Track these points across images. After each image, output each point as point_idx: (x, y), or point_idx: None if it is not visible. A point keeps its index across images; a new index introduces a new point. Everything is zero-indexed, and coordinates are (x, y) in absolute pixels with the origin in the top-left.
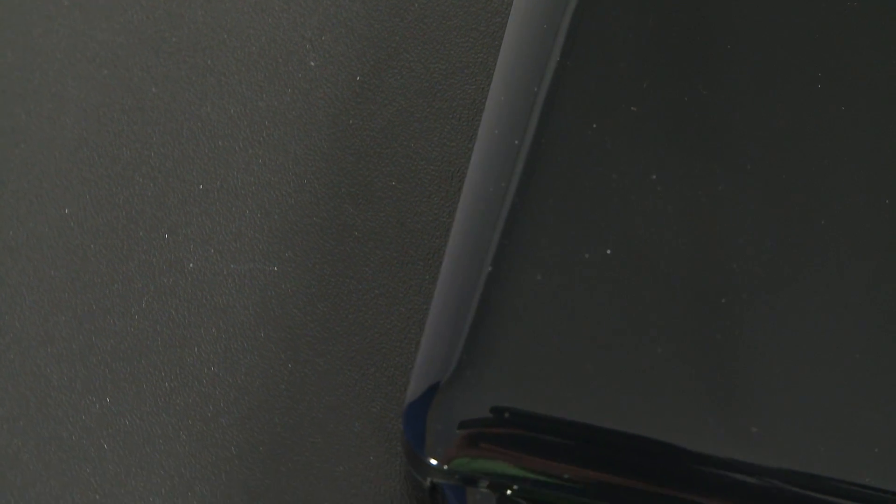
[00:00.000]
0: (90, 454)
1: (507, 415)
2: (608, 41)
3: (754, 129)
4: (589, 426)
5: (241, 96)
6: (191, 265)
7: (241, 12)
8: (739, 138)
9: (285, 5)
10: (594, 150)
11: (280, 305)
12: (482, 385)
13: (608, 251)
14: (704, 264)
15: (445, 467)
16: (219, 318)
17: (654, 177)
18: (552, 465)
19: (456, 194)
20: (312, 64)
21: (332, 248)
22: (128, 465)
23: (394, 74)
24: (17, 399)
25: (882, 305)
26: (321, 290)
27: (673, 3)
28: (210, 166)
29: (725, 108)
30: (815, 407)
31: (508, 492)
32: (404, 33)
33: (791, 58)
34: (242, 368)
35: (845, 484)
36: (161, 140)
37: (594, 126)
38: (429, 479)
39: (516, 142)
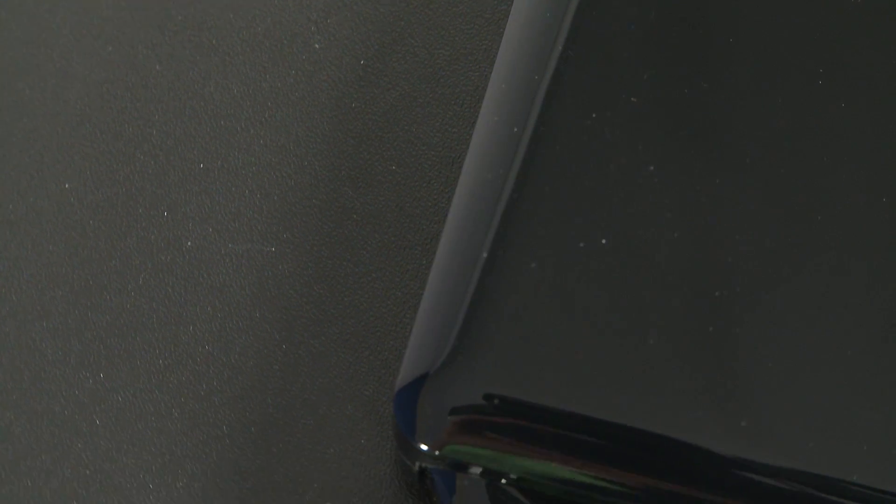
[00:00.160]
0: (82, 429)
1: (498, 402)
2: (610, 32)
3: (754, 123)
4: (579, 415)
5: (245, 76)
6: (189, 243)
7: None
8: (739, 131)
9: None
10: (593, 140)
11: (276, 286)
12: (474, 372)
13: (603, 241)
14: (700, 256)
15: (435, 453)
16: (215, 297)
17: (652, 168)
18: (542, 452)
19: (456, 180)
20: (317, 46)
21: (331, 230)
22: (119, 442)
23: (398, 59)
24: (10, 372)
25: (877, 296)
26: (318, 271)
27: None
28: (211, 145)
29: (725, 101)
30: (808, 400)
31: (498, 478)
32: (409, 18)
33: (792, 51)
34: (237, 348)
35: (834, 480)
36: (163, 118)
37: (593, 116)
38: (417, 464)
39: (515, 129)
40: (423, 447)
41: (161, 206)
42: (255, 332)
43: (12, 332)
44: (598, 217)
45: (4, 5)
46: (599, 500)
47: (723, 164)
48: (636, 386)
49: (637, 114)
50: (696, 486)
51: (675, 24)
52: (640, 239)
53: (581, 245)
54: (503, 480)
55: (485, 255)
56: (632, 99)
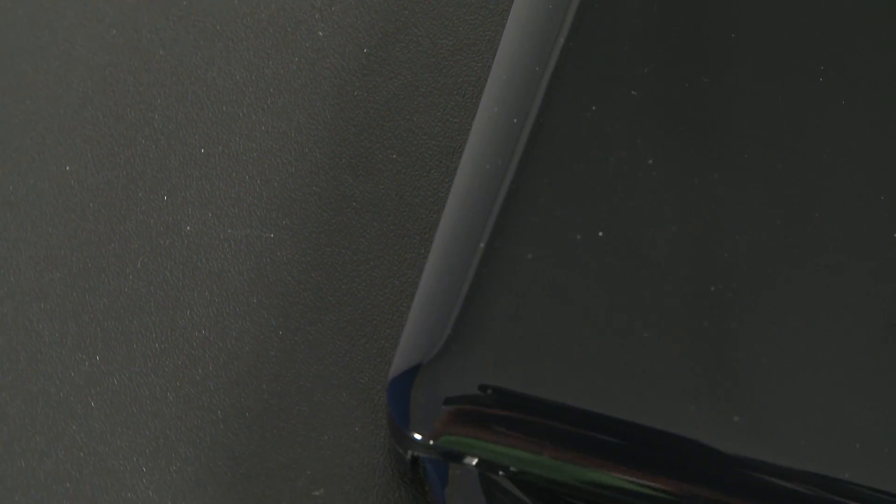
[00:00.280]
0: (77, 411)
1: (491, 393)
2: (612, 25)
3: (754, 118)
4: (573, 407)
5: (248, 62)
6: (188, 228)
7: None
8: (738, 126)
9: None
10: (592, 133)
11: (274, 272)
12: (468, 362)
13: (600, 233)
14: (697, 250)
15: (428, 442)
16: (213, 282)
17: (651, 161)
18: (535, 444)
19: (455, 170)
20: (320, 34)
21: (330, 217)
22: (114, 424)
23: (401, 48)
24: (7, 353)
25: (871, 288)
26: (316, 258)
27: None
28: (213, 131)
29: (726, 96)
30: (802, 396)
31: (490, 469)
32: (413, 7)
33: (793, 47)
34: (233, 333)
35: (824, 477)
36: (165, 102)
37: (593, 108)
38: (410, 453)
39: (515, 120)
40: (416, 436)
41: (161, 191)
42: (251, 318)
43: (10, 312)
44: (595, 209)
45: None
46: (592, 491)
47: (722, 158)
48: (630, 379)
49: (637, 107)
50: (690, 479)
51: (677, 17)
52: (637, 232)
53: (578, 237)
54: (496, 471)
55: (481, 245)
56: (632, 92)
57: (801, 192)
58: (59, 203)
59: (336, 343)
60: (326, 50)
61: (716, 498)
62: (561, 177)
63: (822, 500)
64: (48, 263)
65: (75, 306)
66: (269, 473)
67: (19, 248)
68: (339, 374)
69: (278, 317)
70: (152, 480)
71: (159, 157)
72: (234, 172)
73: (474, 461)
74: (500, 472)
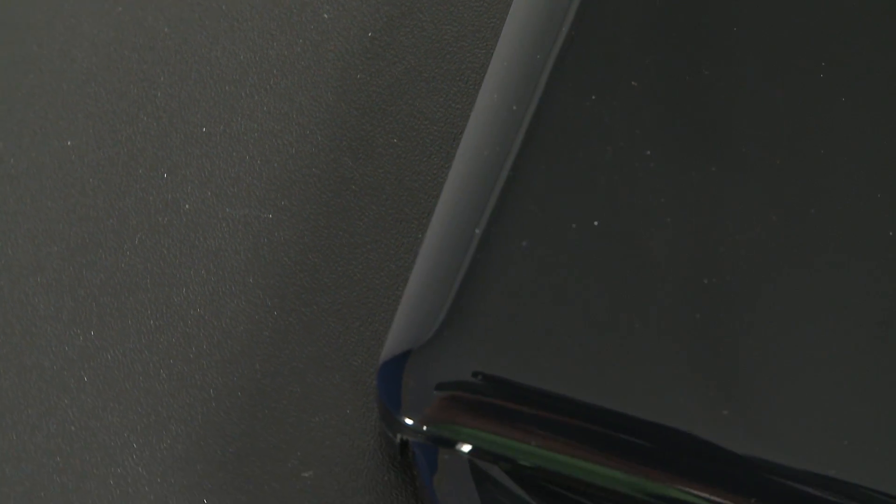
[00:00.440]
0: (70, 385)
1: (483, 380)
2: (614, 15)
3: (754, 111)
4: (563, 396)
5: (252, 43)
6: (187, 206)
7: None
8: (738, 119)
9: None
10: (591, 123)
11: (271, 253)
12: (459, 348)
13: (596, 223)
14: (691, 242)
15: (418, 427)
16: (209, 260)
17: (649, 153)
18: (524, 431)
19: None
20: (326, 16)
21: (329, 199)
22: (106, 400)
23: (405, 33)
24: (2, 326)
25: (866, 281)
26: (314, 240)
27: None
28: (215, 110)
29: (727, 89)
30: (793, 390)
31: (479, 455)
32: None
33: (794, 40)
34: (228, 312)
35: (812, 472)
36: (169, 80)
37: (593, 98)
38: (399, 437)
39: (514, 108)
40: (406, 421)
41: (161, 168)
42: (247, 298)
43: (6, 285)
44: (591, 199)
45: None
46: (582, 480)
47: (721, 151)
48: (622, 369)
49: (636, 98)
50: (680, 470)
51: (679, 9)
52: (632, 223)
53: (573, 226)
54: (485, 458)
55: (477, 231)
56: (632, 83)
57: (800, 185)
58: (59, 178)
59: (330, 325)
60: (331, 32)
61: (706, 489)
62: (558, 165)
63: (810, 494)
64: (46, 237)
65: (72, 281)
66: (259, 453)
67: (18, 221)
68: (333, 356)
69: (273, 297)
70: (142, 457)
71: (160, 134)
72: (235, 152)
73: (463, 447)
74: (490, 459)
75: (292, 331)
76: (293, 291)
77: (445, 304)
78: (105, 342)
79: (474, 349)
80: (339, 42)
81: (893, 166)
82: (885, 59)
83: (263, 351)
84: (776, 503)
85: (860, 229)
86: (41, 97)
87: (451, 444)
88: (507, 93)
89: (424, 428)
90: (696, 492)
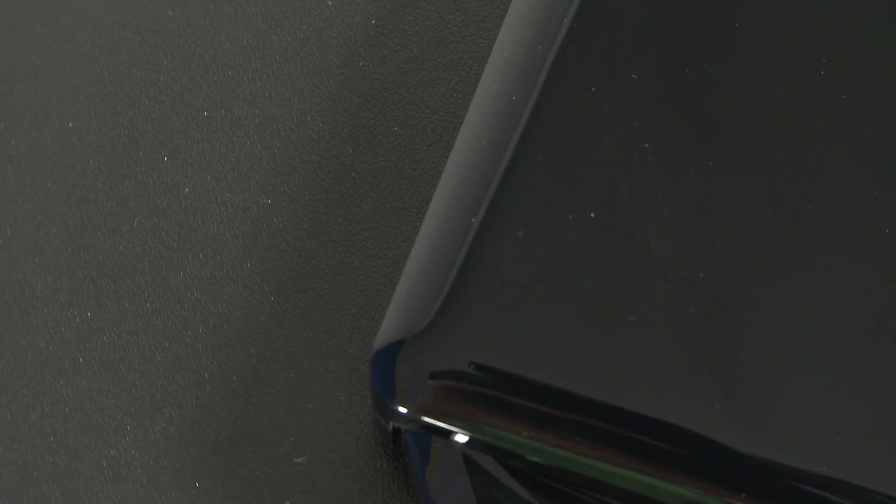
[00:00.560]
0: (65, 366)
1: (477, 369)
2: (616, 8)
3: (754, 107)
4: (556, 387)
5: (256, 28)
6: (186, 190)
7: None
8: (738, 115)
9: None
10: (590, 114)
11: (269, 238)
12: (453, 337)
13: (592, 214)
14: (687, 236)
15: (411, 415)
16: (207, 244)
17: (647, 145)
18: (517, 423)
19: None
20: (329, 3)
21: (328, 186)
22: (101, 381)
23: (409, 21)
24: None
25: (862, 278)
26: (312, 226)
27: None
28: (217, 94)
29: (728, 84)
30: (784, 384)
31: (472, 444)
32: None
33: (795, 36)
34: (225, 297)
35: (799, 467)
36: (171, 64)
37: (592, 90)
38: (391, 424)
39: (514, 98)
40: (399, 409)
41: (162, 151)
42: (244, 282)
43: (4, 265)
44: (588, 191)
45: None
46: (574, 472)
47: (720, 146)
48: (616, 361)
49: (636, 91)
50: (673, 462)
51: (681, 2)
52: (629, 215)
53: (570, 217)
54: (477, 447)
55: (473, 221)
56: (632, 76)
57: (798, 180)
58: (60, 159)
59: (326, 311)
60: (334, 19)
61: (697, 482)
62: (555, 156)
63: (800, 490)
64: (45, 218)
65: (70, 262)
66: (252, 438)
67: (17, 201)
68: (328, 343)
69: (270, 282)
70: (135, 439)
71: (162, 117)
72: (236, 137)
73: (455, 436)
74: (482, 449)
75: (288, 316)
76: (290, 277)
77: (440, 293)
78: (101, 324)
79: (469, 339)
80: (343, 29)
81: (893, 162)
82: (885, 52)
83: (259, 336)
84: (766, 497)
85: (859, 221)
86: (44, 78)
87: (444, 432)
88: (507, 83)
89: (417, 416)
90: (687, 484)
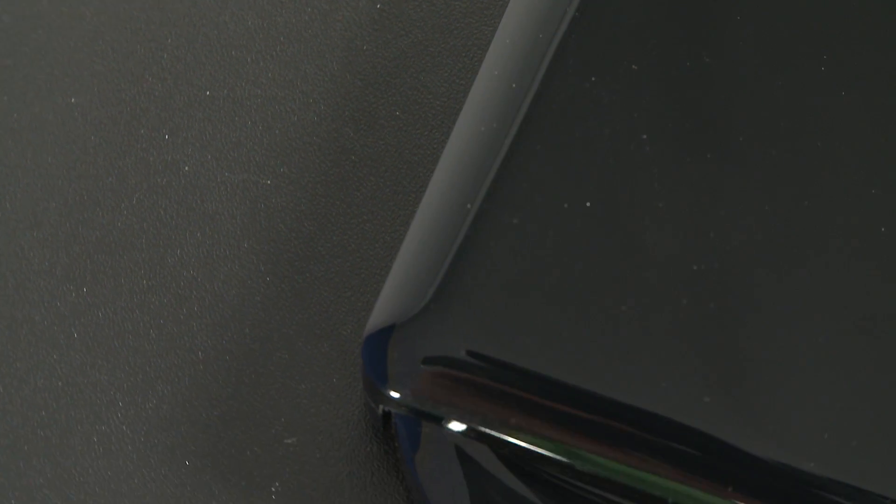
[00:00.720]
0: (59, 341)
1: (468, 356)
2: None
3: (754, 101)
4: (548, 375)
5: (261, 9)
6: (186, 168)
7: None
8: (738, 108)
9: None
10: (589, 104)
11: (267, 218)
12: (445, 323)
13: (588, 204)
14: (683, 227)
15: (401, 399)
16: (206, 223)
17: (645, 136)
18: (507, 410)
19: None
20: None
21: (328, 169)
22: (94, 357)
23: (414, 7)
24: None
25: (858, 273)
26: (310, 208)
27: None
28: (220, 74)
29: (728, 76)
30: (776, 377)
31: (460, 428)
32: None
33: (798, 30)
34: (221, 276)
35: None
36: (176, 42)
37: (593, 79)
38: (381, 408)
39: (514, 85)
40: (388, 392)
41: (163, 129)
42: (240, 262)
43: (2, 238)
44: (584, 180)
45: None
46: (564, 460)
47: (719, 139)
48: (608, 349)
49: (636, 82)
50: (664, 453)
51: None
52: (625, 206)
53: (566, 206)
54: (466, 432)
55: (468, 207)
56: (633, 67)
57: (796, 175)
58: (62, 134)
59: (322, 294)
60: (339, 2)
61: (690, 476)
62: (553, 145)
63: (782, 487)
64: (45, 193)
65: (67, 237)
66: (243, 418)
67: (17, 175)
68: (322, 325)
69: (267, 263)
70: (127, 415)
71: (164, 96)
72: (237, 117)
73: (444, 420)
74: (471, 435)
75: (284, 297)
76: (287, 258)
77: (434, 279)
78: (97, 299)
79: (461, 325)
80: (347, 12)
81: (893, 158)
82: (886, 44)
83: (254, 316)
84: (755, 489)
85: (855, 212)
86: (48, 53)
87: (433, 417)
88: (508, 71)
89: (407, 400)
90: (676, 474)
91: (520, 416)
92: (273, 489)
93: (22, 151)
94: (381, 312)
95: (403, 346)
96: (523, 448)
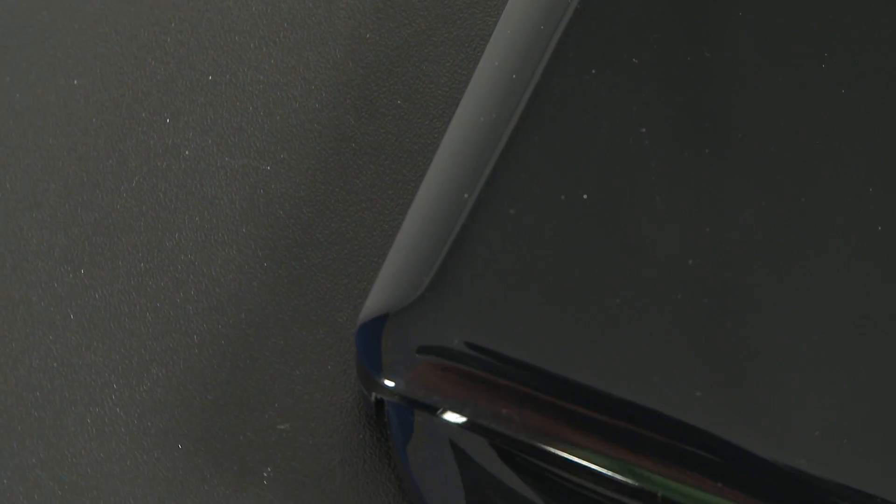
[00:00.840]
0: (55, 322)
1: (463, 345)
2: None
3: (752, 96)
4: (542, 366)
5: None
6: (187, 152)
7: None
8: (737, 104)
9: None
10: (588, 96)
11: (266, 204)
12: (441, 312)
13: (585, 196)
14: (679, 220)
15: (395, 387)
16: (204, 207)
17: (644, 130)
18: (499, 400)
19: None
20: None
21: (328, 156)
22: (90, 339)
23: None
24: None
25: (857, 271)
26: (309, 195)
27: None
28: (222, 59)
29: (728, 71)
30: (770, 372)
31: (454, 418)
32: None
33: (799, 26)
34: (218, 261)
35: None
36: (179, 27)
37: (593, 72)
38: (374, 395)
39: (514, 76)
40: (381, 380)
41: (164, 113)
42: (238, 247)
43: (1, 219)
44: (582, 172)
45: None
46: (558, 452)
47: (718, 134)
48: (603, 340)
49: (636, 75)
50: (655, 445)
51: None
52: (622, 199)
53: (562, 197)
54: (458, 422)
55: (465, 196)
56: (633, 60)
57: (795, 170)
58: (63, 116)
59: (319, 280)
60: None
61: (682, 470)
62: (552, 137)
63: (771, 484)
64: (45, 174)
65: (66, 218)
66: (237, 402)
67: (18, 156)
68: (318, 311)
69: (265, 248)
70: (121, 398)
71: (167, 80)
72: (239, 102)
73: (436, 409)
74: (464, 425)
75: (280, 283)
76: (285, 244)
77: (429, 268)
78: (94, 281)
79: (455, 314)
80: (351, 0)
81: (893, 158)
82: (885, 40)
83: (250, 301)
84: (747, 484)
85: (854, 208)
86: (52, 35)
87: (426, 406)
88: (509, 61)
89: (400, 389)
90: (669, 467)
91: (513, 406)
92: (265, 474)
93: (23, 132)
94: (375, 301)
95: (397, 335)
96: (515, 439)
